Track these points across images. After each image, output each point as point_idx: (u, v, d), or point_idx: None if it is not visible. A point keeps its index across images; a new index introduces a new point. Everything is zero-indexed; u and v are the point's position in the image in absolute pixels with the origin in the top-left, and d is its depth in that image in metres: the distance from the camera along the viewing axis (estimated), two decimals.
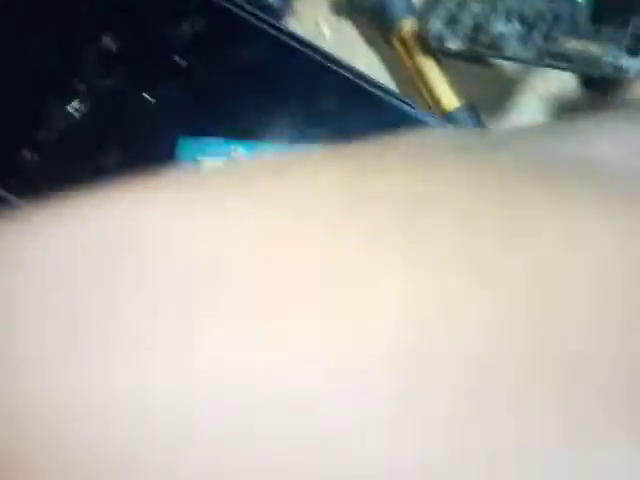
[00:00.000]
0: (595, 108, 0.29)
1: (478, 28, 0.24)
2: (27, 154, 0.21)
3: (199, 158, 0.21)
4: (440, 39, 0.25)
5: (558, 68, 0.23)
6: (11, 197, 0.21)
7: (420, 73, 0.28)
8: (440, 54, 0.27)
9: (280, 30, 0.23)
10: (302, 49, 0.23)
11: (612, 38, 0.22)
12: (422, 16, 0.27)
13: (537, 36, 0.23)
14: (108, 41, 0.21)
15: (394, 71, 0.28)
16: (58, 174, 0.22)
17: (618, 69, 0.22)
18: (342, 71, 0.23)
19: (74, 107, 0.21)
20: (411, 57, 0.28)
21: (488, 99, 0.29)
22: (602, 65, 0.22)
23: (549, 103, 0.30)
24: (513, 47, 0.24)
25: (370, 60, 0.28)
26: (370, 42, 0.28)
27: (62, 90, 0.21)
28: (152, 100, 0.20)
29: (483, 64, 0.29)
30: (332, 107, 0.23)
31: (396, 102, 0.24)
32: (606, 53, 0.22)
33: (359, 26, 0.29)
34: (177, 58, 0.21)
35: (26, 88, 0.21)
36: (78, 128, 0.21)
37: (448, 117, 0.27)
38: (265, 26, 0.22)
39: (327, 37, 0.28)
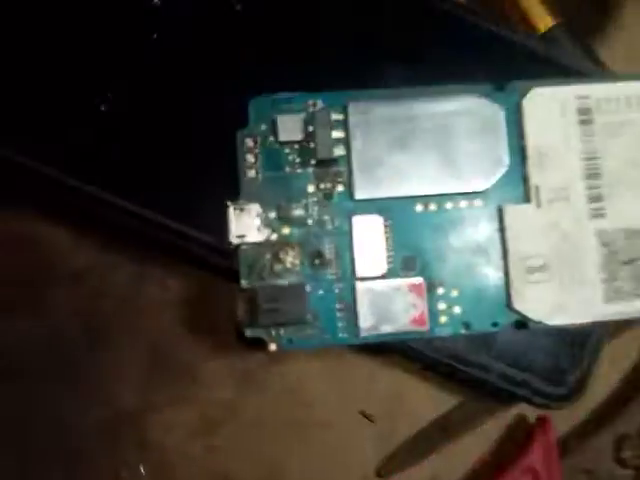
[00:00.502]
0: None
1: None
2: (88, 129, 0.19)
3: (275, 116, 0.19)
4: None
5: None
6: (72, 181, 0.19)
7: None
8: None
9: None
10: None
11: None
12: None
13: None
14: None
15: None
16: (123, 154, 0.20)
17: None
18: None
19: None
20: None
21: (587, 14, 0.25)
22: None
23: None
24: None
25: None
26: None
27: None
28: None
29: None
30: (412, 39, 0.20)
31: (490, 27, 0.20)
32: None
33: None
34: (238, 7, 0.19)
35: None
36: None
37: (545, 38, 0.23)
38: None
39: None
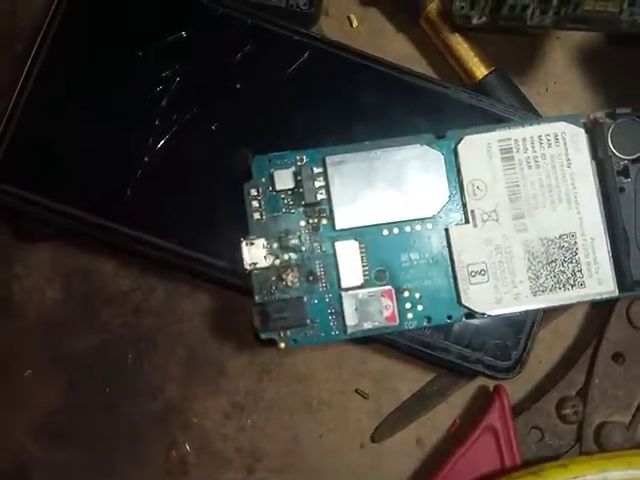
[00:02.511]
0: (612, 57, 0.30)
1: (499, 2, 0.26)
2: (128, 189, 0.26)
3: (272, 171, 0.25)
4: (466, 17, 0.28)
5: (577, 30, 0.25)
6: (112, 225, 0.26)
7: (449, 48, 0.30)
8: (464, 29, 0.30)
9: (314, 38, 0.26)
10: (337, 52, 0.26)
11: None
12: None
13: (555, 2, 0.25)
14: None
15: (423, 50, 0.31)
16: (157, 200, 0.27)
17: (636, 25, 0.23)
18: (377, 66, 0.26)
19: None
20: (438, 35, 0.30)
21: (517, 57, 0.31)
22: (620, 23, 0.23)
23: (574, 54, 0.31)
24: (534, 16, 0.25)
25: (400, 44, 0.31)
26: (398, 28, 0.31)
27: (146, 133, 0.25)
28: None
29: (502, 32, 0.31)
30: (373, 101, 0.26)
31: (430, 85, 0.26)
32: (623, 10, 0.23)
33: (386, 15, 0.31)
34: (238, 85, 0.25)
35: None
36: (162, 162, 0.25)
37: (481, 85, 0.29)
38: (300, 37, 0.26)
39: (359, 29, 0.31)
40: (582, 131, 0.26)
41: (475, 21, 0.28)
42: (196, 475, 0.28)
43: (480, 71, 0.30)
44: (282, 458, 0.28)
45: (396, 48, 0.31)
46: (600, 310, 0.28)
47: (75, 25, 0.26)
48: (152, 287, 0.29)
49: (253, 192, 0.25)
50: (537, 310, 0.26)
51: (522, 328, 0.26)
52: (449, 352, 0.26)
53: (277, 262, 0.25)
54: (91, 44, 0.26)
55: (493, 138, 0.26)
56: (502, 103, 0.27)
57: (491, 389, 0.28)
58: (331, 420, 0.28)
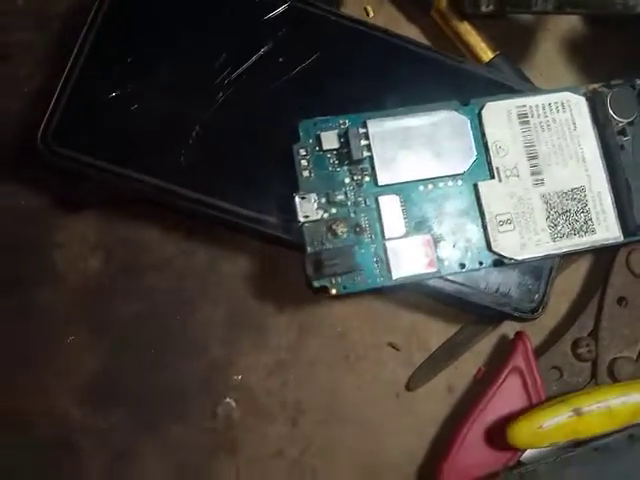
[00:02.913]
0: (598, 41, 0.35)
1: None
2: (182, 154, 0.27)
3: (318, 132, 0.27)
4: (475, 5, 0.31)
5: (576, 14, 0.29)
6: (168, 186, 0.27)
7: (457, 35, 0.34)
8: (471, 18, 0.33)
9: (353, 20, 0.29)
10: (371, 32, 0.29)
11: None
12: None
13: None
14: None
15: (433, 38, 0.34)
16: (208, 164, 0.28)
17: (628, 6, 0.27)
18: (408, 45, 0.29)
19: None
20: (448, 24, 0.34)
21: (515, 46, 0.34)
22: (614, 5, 0.28)
23: (563, 41, 0.36)
24: (538, 2, 0.29)
25: (413, 33, 0.34)
26: (410, 18, 0.34)
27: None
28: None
29: (506, 19, 0.35)
30: (403, 76, 0.29)
31: (451, 61, 0.29)
32: None
33: (399, 7, 0.34)
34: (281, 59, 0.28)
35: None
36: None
37: (489, 66, 0.32)
38: (340, 19, 0.29)
39: (375, 19, 0.34)
40: (583, 99, 0.30)
41: (484, 9, 0.32)
42: (242, 430, 0.29)
43: (487, 55, 0.33)
44: (324, 410, 0.30)
45: (410, 36, 0.34)
46: (602, 262, 0.32)
47: None
48: (194, 252, 0.30)
49: (302, 152, 0.28)
50: (555, 256, 0.29)
51: (542, 274, 0.29)
52: (482, 298, 0.28)
53: (326, 215, 0.27)
54: (145, 14, 0.28)
55: (511, 104, 0.29)
56: (514, 77, 0.30)
57: (511, 337, 0.31)
58: (368, 372, 0.30)
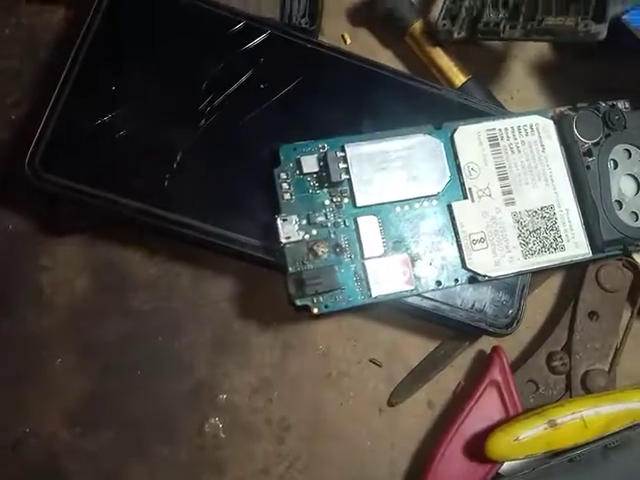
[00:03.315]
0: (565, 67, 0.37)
1: (476, 19, 0.32)
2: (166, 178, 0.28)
3: (298, 157, 0.28)
4: (448, 32, 0.33)
5: (543, 40, 0.31)
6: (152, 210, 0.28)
7: (431, 60, 0.36)
8: (443, 44, 0.35)
9: (331, 48, 0.30)
10: (346, 59, 0.30)
11: (581, 10, 0.29)
12: (427, 16, 0.34)
13: (522, 19, 0.30)
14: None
15: (408, 63, 0.36)
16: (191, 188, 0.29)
17: (590, 34, 0.29)
18: (383, 71, 0.30)
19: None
20: (422, 50, 0.36)
21: (487, 70, 0.36)
22: (577, 33, 0.29)
23: (533, 66, 0.37)
24: (506, 30, 0.31)
25: (388, 58, 0.36)
26: (385, 44, 0.36)
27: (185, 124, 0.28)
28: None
29: (478, 45, 0.37)
30: (378, 101, 0.30)
31: (425, 87, 0.31)
32: (579, 23, 0.29)
33: (375, 34, 0.36)
34: (262, 86, 0.29)
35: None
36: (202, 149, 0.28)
37: (461, 90, 0.34)
38: (318, 47, 0.30)
39: (352, 46, 0.36)
40: (551, 122, 0.31)
41: (456, 36, 0.34)
42: (229, 448, 0.30)
43: (459, 79, 0.35)
44: (308, 426, 0.30)
45: (385, 62, 0.35)
46: (573, 278, 0.33)
47: (116, 22, 0.29)
48: (178, 274, 0.31)
49: (283, 175, 0.29)
50: (527, 272, 0.30)
51: (515, 290, 0.30)
52: (457, 314, 0.30)
53: (307, 237, 0.28)
54: (130, 44, 0.29)
55: (482, 128, 0.31)
56: (484, 101, 0.32)
57: (488, 352, 0.32)
58: (350, 389, 0.31)
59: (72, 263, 0.30)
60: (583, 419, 0.29)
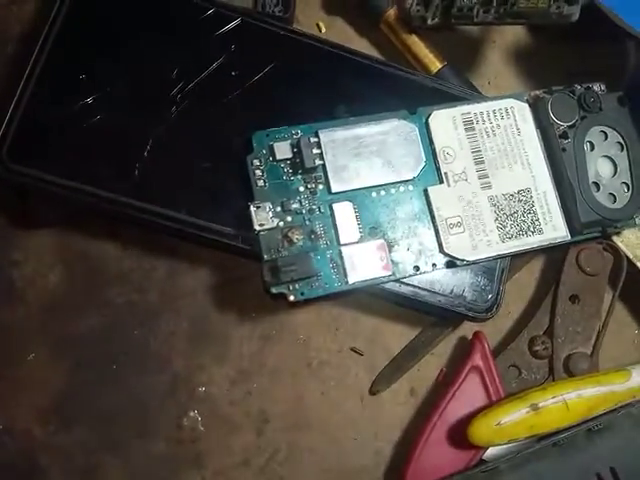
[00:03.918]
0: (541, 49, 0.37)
1: (449, 4, 0.32)
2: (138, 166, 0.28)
3: (271, 143, 0.28)
4: (421, 18, 0.33)
5: (516, 24, 0.31)
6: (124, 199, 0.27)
7: (406, 47, 0.36)
8: (418, 30, 0.35)
9: (304, 35, 0.30)
10: (320, 45, 0.30)
11: None
12: (401, 3, 0.34)
13: (495, 3, 0.31)
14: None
15: (383, 51, 0.36)
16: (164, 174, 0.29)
17: (563, 16, 0.29)
18: (358, 58, 0.30)
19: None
20: (397, 37, 0.36)
21: (463, 57, 0.36)
22: (550, 15, 0.29)
23: (508, 51, 0.38)
24: (479, 14, 0.31)
25: (363, 46, 0.36)
26: (360, 32, 0.36)
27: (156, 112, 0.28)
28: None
29: (452, 31, 0.37)
30: (352, 87, 0.30)
31: (400, 72, 0.31)
32: (551, 5, 0.29)
33: (349, 22, 0.36)
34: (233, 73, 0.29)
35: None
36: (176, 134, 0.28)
37: (437, 77, 0.34)
38: (291, 34, 0.30)
39: (327, 34, 0.36)
40: (526, 105, 0.31)
41: (429, 22, 0.34)
42: (208, 441, 0.30)
43: (435, 65, 0.35)
44: (289, 417, 0.30)
45: (360, 49, 0.35)
46: (554, 262, 0.33)
47: (85, 10, 0.28)
48: (153, 266, 0.31)
49: (256, 162, 0.28)
50: (506, 256, 0.30)
51: (494, 274, 0.30)
52: (436, 299, 0.29)
53: (281, 224, 0.28)
54: (97, 32, 0.29)
55: (457, 112, 0.31)
56: (459, 87, 0.32)
57: (469, 338, 0.32)
58: (331, 378, 0.31)
59: (44, 257, 0.30)
60: (565, 402, 0.29)
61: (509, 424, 0.28)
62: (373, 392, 0.31)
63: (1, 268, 0.30)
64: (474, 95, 0.33)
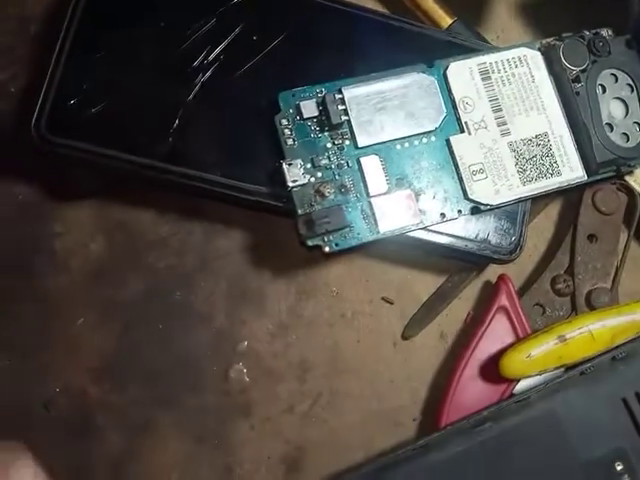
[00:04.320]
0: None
1: None
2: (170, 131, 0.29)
3: (297, 102, 0.29)
4: None
5: None
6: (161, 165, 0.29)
7: (417, 4, 0.36)
8: None
9: None
10: (338, 6, 0.31)
11: None
12: None
13: None
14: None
15: (393, 8, 0.36)
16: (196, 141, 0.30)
17: None
18: (372, 15, 0.31)
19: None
20: None
21: (471, 12, 0.37)
22: None
23: (515, 6, 0.38)
24: None
25: (372, 4, 0.36)
26: None
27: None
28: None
29: None
30: (370, 45, 0.31)
31: (415, 28, 0.32)
32: None
33: None
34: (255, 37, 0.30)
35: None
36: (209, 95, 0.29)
37: (449, 30, 0.35)
38: None
39: None
40: (538, 53, 0.32)
41: None
42: (254, 391, 0.31)
43: (445, 21, 0.36)
44: (327, 365, 0.32)
45: (369, 7, 0.36)
46: (571, 204, 0.35)
47: None
48: (189, 230, 0.32)
49: (284, 122, 0.30)
50: (527, 199, 0.31)
51: (516, 218, 0.32)
52: (464, 245, 0.31)
53: (312, 179, 0.29)
54: (122, 4, 0.30)
55: (473, 63, 0.32)
56: (472, 39, 0.33)
57: (494, 281, 0.34)
58: (365, 326, 0.33)
59: (84, 227, 0.31)
60: (591, 332, 0.31)
61: (539, 356, 0.30)
62: (405, 337, 0.33)
63: (43, 240, 0.31)
64: (487, 46, 0.34)
